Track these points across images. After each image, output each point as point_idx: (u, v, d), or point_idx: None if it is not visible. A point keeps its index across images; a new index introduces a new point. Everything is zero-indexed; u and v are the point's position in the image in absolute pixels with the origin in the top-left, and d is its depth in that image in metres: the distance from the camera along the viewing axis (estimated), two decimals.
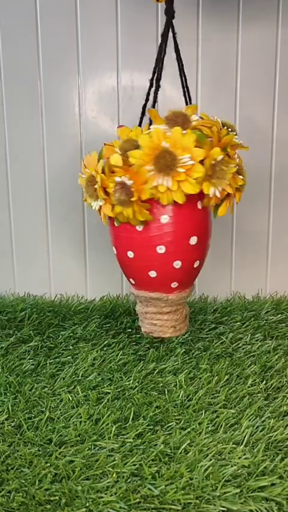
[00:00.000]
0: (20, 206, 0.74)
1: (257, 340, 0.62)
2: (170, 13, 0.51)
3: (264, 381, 0.53)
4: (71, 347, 0.61)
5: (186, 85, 0.53)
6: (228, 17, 0.68)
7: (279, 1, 0.68)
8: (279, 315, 0.69)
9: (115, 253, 0.55)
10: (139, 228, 0.49)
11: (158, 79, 0.51)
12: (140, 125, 0.51)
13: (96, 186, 0.47)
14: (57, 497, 0.37)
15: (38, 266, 0.75)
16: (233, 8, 0.68)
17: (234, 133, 0.48)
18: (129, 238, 0.50)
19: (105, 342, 0.62)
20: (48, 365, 0.57)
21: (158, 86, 0.51)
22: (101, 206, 0.49)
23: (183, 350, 0.60)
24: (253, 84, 0.70)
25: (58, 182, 0.72)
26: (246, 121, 0.70)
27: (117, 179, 0.46)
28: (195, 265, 0.52)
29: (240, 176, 0.47)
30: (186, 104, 0.53)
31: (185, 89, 0.53)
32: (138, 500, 0.37)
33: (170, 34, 0.52)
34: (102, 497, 0.37)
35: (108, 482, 0.39)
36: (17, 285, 0.76)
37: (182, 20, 0.67)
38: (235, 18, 0.68)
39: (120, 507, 0.37)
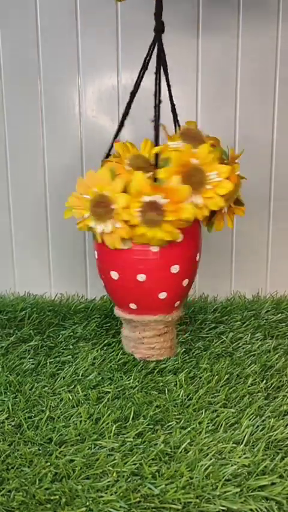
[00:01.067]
0: (20, 205, 0.74)
1: (257, 339, 0.62)
2: (159, 30, 0.50)
3: (264, 381, 0.53)
4: (71, 346, 0.61)
5: (172, 102, 0.53)
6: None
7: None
8: (279, 315, 0.69)
9: (114, 278, 0.51)
10: (155, 249, 0.48)
11: (157, 98, 0.51)
12: (156, 142, 0.50)
13: (113, 207, 0.45)
14: (57, 497, 0.37)
15: (38, 266, 0.75)
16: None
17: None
18: (143, 260, 0.49)
19: (106, 342, 0.62)
20: (48, 364, 0.57)
21: (158, 103, 0.51)
22: (106, 229, 0.47)
23: (184, 349, 0.60)
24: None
25: (58, 181, 0.72)
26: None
27: (147, 198, 0.44)
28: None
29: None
30: (175, 122, 0.53)
31: (173, 106, 0.53)
32: (138, 499, 0.37)
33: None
34: (102, 497, 0.37)
35: (109, 482, 0.39)
36: (17, 284, 0.77)
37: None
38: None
39: (120, 506, 0.37)
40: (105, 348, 0.61)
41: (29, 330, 0.65)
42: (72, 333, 0.64)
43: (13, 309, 0.70)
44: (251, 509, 0.37)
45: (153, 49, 0.50)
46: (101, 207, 0.45)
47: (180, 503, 0.37)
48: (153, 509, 0.37)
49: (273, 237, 0.75)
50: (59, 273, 0.76)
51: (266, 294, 0.76)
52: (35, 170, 0.72)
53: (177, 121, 0.53)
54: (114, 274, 0.50)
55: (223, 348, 0.60)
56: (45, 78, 0.69)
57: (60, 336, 0.63)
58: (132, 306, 0.52)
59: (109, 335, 0.64)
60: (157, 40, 0.49)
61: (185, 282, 0.51)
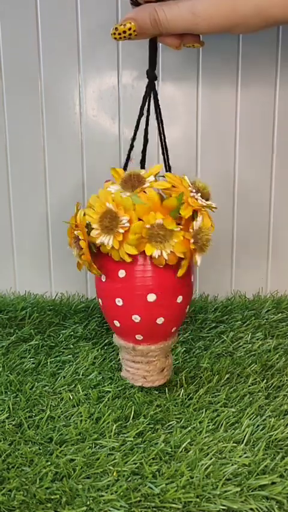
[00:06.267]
0: (20, 205, 0.74)
1: (257, 339, 0.62)
2: (151, 76, 0.51)
3: (265, 380, 0.53)
4: (71, 346, 0.61)
5: (166, 145, 0.53)
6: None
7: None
8: (279, 314, 0.69)
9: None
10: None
11: (145, 138, 0.51)
12: (125, 168, 0.51)
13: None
14: (57, 496, 0.38)
15: (39, 265, 0.75)
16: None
17: (199, 195, 0.47)
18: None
19: (106, 341, 0.62)
20: (48, 363, 0.57)
21: (145, 143, 0.51)
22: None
23: (184, 348, 0.60)
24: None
25: (58, 181, 0.72)
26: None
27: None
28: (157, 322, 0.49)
29: (192, 240, 0.46)
30: (165, 162, 0.53)
31: (164, 150, 0.53)
32: (138, 498, 0.37)
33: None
34: (102, 496, 0.37)
35: (109, 481, 0.39)
36: (17, 284, 0.77)
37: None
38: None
39: (120, 505, 0.37)
40: (105, 347, 0.61)
41: (30, 329, 0.65)
42: (72, 333, 0.64)
43: (13, 309, 0.70)
44: (251, 509, 0.37)
45: (148, 98, 0.50)
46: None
47: (181, 503, 0.37)
48: (154, 509, 0.37)
49: (274, 236, 0.75)
50: (60, 273, 0.76)
51: (266, 294, 0.76)
52: (36, 170, 0.72)
53: (169, 164, 0.53)
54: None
55: (223, 348, 0.60)
56: (45, 77, 0.69)
57: (61, 335, 0.63)
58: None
59: (110, 334, 0.64)
60: (151, 89, 0.50)
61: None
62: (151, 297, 0.47)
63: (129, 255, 0.45)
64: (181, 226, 0.45)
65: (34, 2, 0.67)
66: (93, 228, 0.46)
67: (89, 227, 0.47)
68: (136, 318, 0.48)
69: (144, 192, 0.45)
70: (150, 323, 0.48)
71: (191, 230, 0.45)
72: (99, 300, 0.51)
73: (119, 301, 0.48)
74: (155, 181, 0.46)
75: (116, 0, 0.66)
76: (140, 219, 0.45)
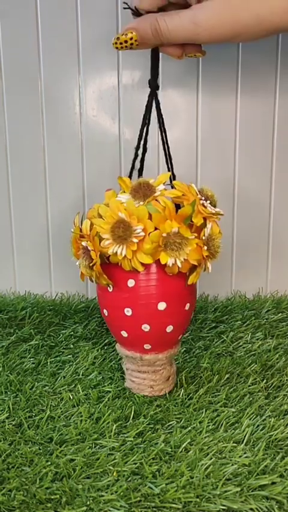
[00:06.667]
0: (20, 205, 0.74)
1: (257, 339, 0.62)
2: (153, 86, 0.51)
3: (265, 380, 0.53)
4: (71, 346, 0.61)
5: (169, 153, 0.53)
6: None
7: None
8: (279, 314, 0.69)
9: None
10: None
11: (144, 146, 0.51)
12: (129, 177, 0.51)
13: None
14: (57, 496, 0.38)
15: (39, 265, 0.75)
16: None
17: (208, 202, 0.47)
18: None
19: (106, 341, 0.62)
20: (48, 363, 0.57)
21: (144, 152, 0.51)
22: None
23: (184, 348, 0.60)
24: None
25: (58, 181, 0.72)
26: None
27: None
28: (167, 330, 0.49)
29: (205, 247, 0.45)
30: (169, 171, 0.53)
31: (168, 158, 0.53)
32: (138, 498, 0.37)
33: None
34: (102, 496, 0.37)
35: (109, 481, 0.39)
36: (17, 284, 0.77)
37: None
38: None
39: (120, 505, 0.37)
40: (105, 347, 0.61)
41: (30, 329, 0.65)
42: (72, 333, 0.64)
43: (14, 309, 0.70)
44: (251, 509, 0.37)
45: (150, 107, 0.50)
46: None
47: (181, 503, 0.37)
48: (154, 509, 0.37)
49: (274, 236, 0.75)
50: (60, 273, 0.76)
51: (266, 294, 0.76)
52: (36, 170, 0.72)
53: (171, 165, 0.53)
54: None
55: (223, 348, 0.60)
56: (45, 77, 0.69)
57: (61, 335, 0.63)
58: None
59: (109, 334, 0.64)
60: (153, 97, 0.50)
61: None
62: (161, 306, 0.47)
63: (142, 264, 0.45)
64: (195, 234, 0.45)
65: (34, 2, 0.67)
66: (103, 238, 0.45)
67: (99, 237, 0.46)
68: (146, 327, 0.48)
69: (157, 200, 0.45)
70: (159, 331, 0.48)
71: (203, 237, 0.46)
72: (105, 310, 0.50)
73: (128, 311, 0.48)
74: (164, 190, 0.46)
75: (115, 1, 0.66)
76: (156, 228, 0.45)
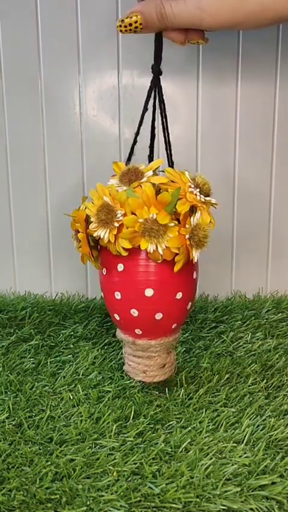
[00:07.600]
0: (20, 205, 0.74)
1: (257, 339, 0.62)
2: (156, 71, 0.51)
3: (265, 380, 0.53)
4: (71, 346, 0.61)
5: (169, 140, 0.53)
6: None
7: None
8: (279, 314, 0.69)
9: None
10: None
11: (152, 133, 0.51)
12: (127, 163, 0.50)
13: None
14: (57, 496, 0.38)
15: (39, 265, 0.75)
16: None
17: (198, 190, 0.47)
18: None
19: (106, 341, 0.62)
20: (48, 363, 0.57)
21: (152, 138, 0.51)
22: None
23: (184, 348, 0.60)
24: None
25: (58, 181, 0.72)
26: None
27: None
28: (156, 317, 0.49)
29: (187, 236, 0.45)
30: (168, 158, 0.53)
31: (167, 145, 0.53)
32: (138, 498, 0.37)
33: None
34: (102, 496, 0.37)
35: (109, 481, 0.39)
36: (17, 284, 0.77)
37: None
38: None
39: (120, 505, 0.37)
40: (105, 347, 0.61)
41: (30, 329, 0.65)
42: (72, 333, 0.64)
43: (14, 309, 0.70)
44: (251, 509, 0.37)
45: (153, 92, 0.50)
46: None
47: (181, 503, 0.37)
48: (154, 509, 0.37)
49: (274, 236, 0.75)
50: (60, 273, 0.76)
51: (266, 294, 0.76)
52: (36, 170, 0.72)
53: (171, 153, 0.53)
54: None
55: (223, 348, 0.60)
56: (45, 77, 0.69)
57: (61, 335, 0.63)
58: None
59: (109, 334, 0.64)
60: (156, 83, 0.50)
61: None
62: (149, 292, 0.47)
63: (125, 249, 0.46)
64: (175, 222, 0.45)
65: (34, 2, 0.67)
66: (91, 221, 0.46)
67: (88, 220, 0.47)
68: (134, 312, 0.48)
69: (141, 186, 0.45)
70: (148, 317, 0.48)
71: (187, 226, 0.45)
72: (102, 293, 0.52)
73: (117, 295, 0.48)
74: (153, 176, 0.46)
75: (116, 1, 0.66)
76: (133, 213, 0.45)
